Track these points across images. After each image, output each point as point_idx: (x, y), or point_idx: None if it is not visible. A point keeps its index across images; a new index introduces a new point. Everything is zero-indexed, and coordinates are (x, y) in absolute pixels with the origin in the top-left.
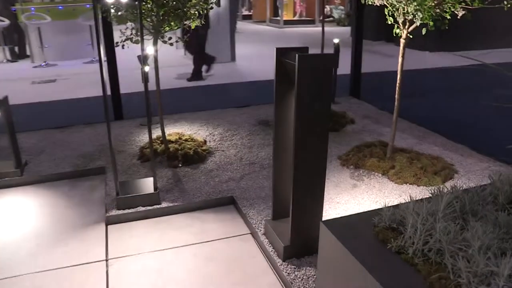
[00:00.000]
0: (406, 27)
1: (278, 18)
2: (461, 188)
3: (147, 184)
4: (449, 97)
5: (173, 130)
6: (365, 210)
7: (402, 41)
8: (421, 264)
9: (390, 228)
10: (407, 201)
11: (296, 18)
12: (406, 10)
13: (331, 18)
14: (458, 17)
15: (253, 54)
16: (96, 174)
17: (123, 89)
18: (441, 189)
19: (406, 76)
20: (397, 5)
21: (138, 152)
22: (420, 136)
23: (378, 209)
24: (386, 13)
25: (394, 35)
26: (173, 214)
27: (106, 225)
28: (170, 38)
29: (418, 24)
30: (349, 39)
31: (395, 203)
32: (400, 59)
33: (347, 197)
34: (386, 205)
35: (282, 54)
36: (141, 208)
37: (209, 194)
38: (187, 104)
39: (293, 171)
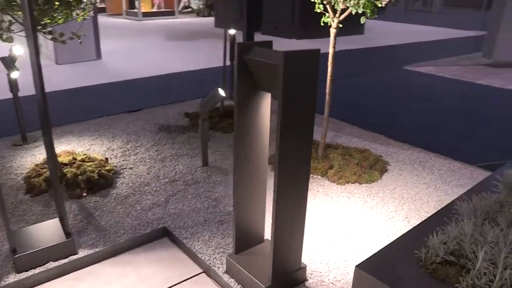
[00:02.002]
0: (337, 15)
1: (136, 10)
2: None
3: (53, 229)
4: (338, 83)
5: (60, 149)
6: (394, 239)
7: (333, 30)
8: None
9: (446, 261)
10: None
11: (155, 10)
12: None
13: (189, 9)
14: (383, 5)
15: (119, 50)
16: None
17: None
18: (474, 201)
19: None
20: None
21: (23, 183)
22: (336, 128)
23: (407, 233)
24: (315, 0)
25: (322, 24)
26: (96, 263)
27: None
28: (62, 35)
29: (360, 11)
30: (214, 30)
31: (346, 207)
32: (331, 50)
33: None
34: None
35: (247, 51)
36: (52, 264)
37: (134, 228)
38: (65, 113)
39: (276, 192)
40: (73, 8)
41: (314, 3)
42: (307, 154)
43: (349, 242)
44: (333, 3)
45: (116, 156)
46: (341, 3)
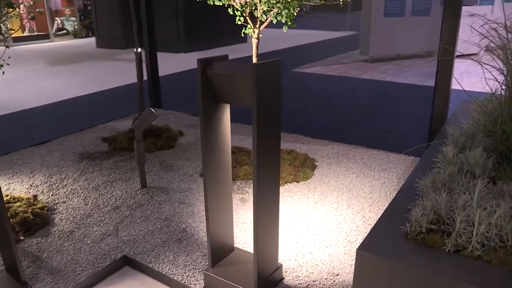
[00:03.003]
0: (257, 25)
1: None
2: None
3: (2, 282)
4: None
5: None
6: (376, 222)
7: (254, 40)
8: (485, 254)
9: (428, 230)
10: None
11: (26, 34)
12: (267, 8)
13: (64, 31)
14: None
15: None
16: None
17: None
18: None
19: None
20: (257, 5)
21: None
22: None
23: (384, 214)
24: (234, 13)
25: (243, 35)
26: None
27: None
28: None
29: (283, 21)
30: (97, 50)
31: (293, 205)
32: (254, 59)
33: (249, 214)
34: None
35: (209, 66)
36: None
37: (92, 263)
38: None
39: (257, 201)
40: None
41: (201, 19)
42: (278, 161)
43: (308, 237)
44: (256, 15)
45: (43, 192)
46: (264, 14)
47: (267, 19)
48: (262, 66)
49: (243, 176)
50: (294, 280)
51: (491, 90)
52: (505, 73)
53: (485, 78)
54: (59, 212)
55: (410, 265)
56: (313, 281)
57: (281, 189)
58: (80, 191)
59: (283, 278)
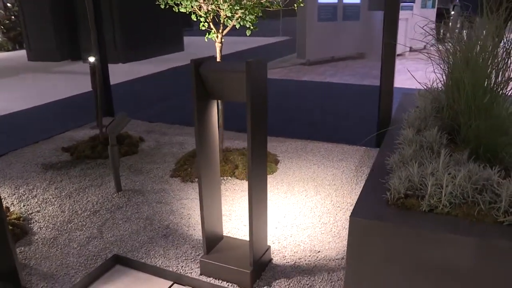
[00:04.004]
0: (220, 30)
1: None
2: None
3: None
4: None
5: None
6: (359, 195)
7: (218, 45)
8: (453, 210)
9: (405, 196)
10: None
11: None
12: (230, 13)
13: None
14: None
15: None
16: None
17: None
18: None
19: (133, 86)
20: (221, 11)
21: None
22: None
23: (364, 189)
24: (196, 19)
25: (206, 40)
26: None
27: None
28: None
29: (247, 25)
30: (29, 64)
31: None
32: None
33: (227, 207)
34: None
35: (201, 65)
36: None
37: (84, 264)
38: None
39: (251, 188)
40: None
41: (139, 29)
42: (265, 152)
43: (285, 222)
44: (222, 21)
45: (12, 204)
46: (228, 20)
47: (232, 23)
48: (253, 63)
49: None
50: (281, 259)
51: (439, 80)
52: (446, 63)
53: (434, 70)
54: (36, 221)
55: (395, 224)
56: (298, 259)
57: None
58: (53, 200)
59: (271, 259)
